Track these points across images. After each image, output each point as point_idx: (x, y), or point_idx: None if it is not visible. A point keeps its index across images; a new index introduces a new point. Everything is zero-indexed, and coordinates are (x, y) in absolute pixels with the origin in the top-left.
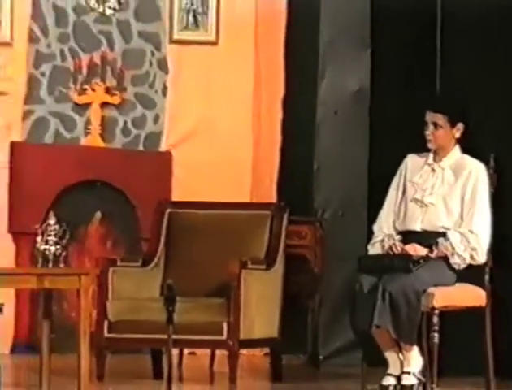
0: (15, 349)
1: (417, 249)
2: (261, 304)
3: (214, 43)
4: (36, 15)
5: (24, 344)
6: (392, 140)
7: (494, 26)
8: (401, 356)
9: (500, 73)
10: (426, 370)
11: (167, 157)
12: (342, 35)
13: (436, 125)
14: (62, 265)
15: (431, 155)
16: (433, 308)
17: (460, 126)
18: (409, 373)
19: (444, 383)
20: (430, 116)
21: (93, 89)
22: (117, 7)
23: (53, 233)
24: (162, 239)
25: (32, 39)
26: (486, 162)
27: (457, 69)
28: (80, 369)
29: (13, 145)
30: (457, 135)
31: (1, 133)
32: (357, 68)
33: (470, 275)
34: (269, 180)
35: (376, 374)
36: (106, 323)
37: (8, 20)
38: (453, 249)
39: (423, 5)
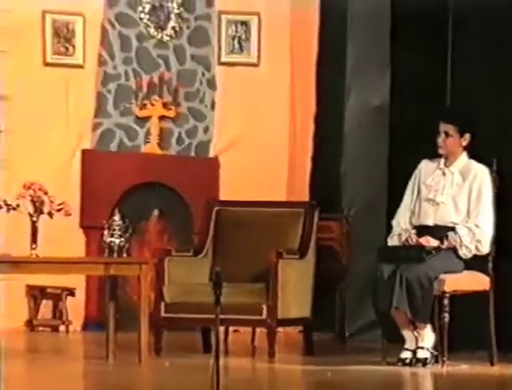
0: (85, 327)
1: (429, 241)
2: (295, 288)
3: (256, 65)
4: (105, 41)
5: (93, 323)
6: (408, 148)
7: (504, 40)
8: (416, 333)
9: (507, 85)
10: (437, 345)
11: (214, 162)
12: (365, 59)
13: (447, 134)
14: (125, 255)
15: (442, 160)
16: (444, 292)
17: (467, 136)
18: (423, 348)
19: (453, 356)
20: (442, 126)
21: (152, 105)
22: (173, 34)
23: (117, 228)
24: (211, 233)
25: (101, 62)
26: (490, 166)
27: (467, 84)
28: (140, 344)
29: (84, 152)
30: (465, 143)
31: (74, 143)
32: (378, 87)
33: (475, 263)
34: (302, 182)
35: (395, 349)
36: (162, 305)
37: (81, 46)
38: (461, 241)
39: (436, 30)
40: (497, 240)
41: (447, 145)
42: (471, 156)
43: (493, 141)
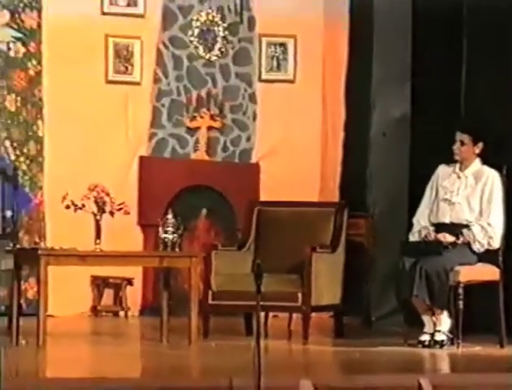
0: (142, 312)
1: (446, 237)
2: (327, 278)
3: (292, 81)
4: (160, 61)
5: (149, 309)
6: (427, 154)
7: None
8: (433, 318)
9: None
10: (453, 329)
11: (255, 167)
12: (388, 75)
13: (462, 142)
14: (177, 249)
15: (457, 165)
16: (459, 282)
17: (480, 144)
18: (440, 331)
19: (467, 339)
20: (458, 136)
21: (201, 117)
22: (219, 55)
23: (170, 225)
24: (252, 229)
25: (156, 79)
26: (500, 171)
27: (480, 97)
28: (190, 328)
29: (141, 159)
30: (478, 151)
31: (132, 150)
32: (400, 100)
33: (487, 256)
34: (333, 184)
35: (415, 332)
36: (210, 293)
37: (139, 66)
38: (475, 237)
39: (452, 48)
40: (507, 237)
41: (462, 152)
42: (484, 162)
43: (504, 149)
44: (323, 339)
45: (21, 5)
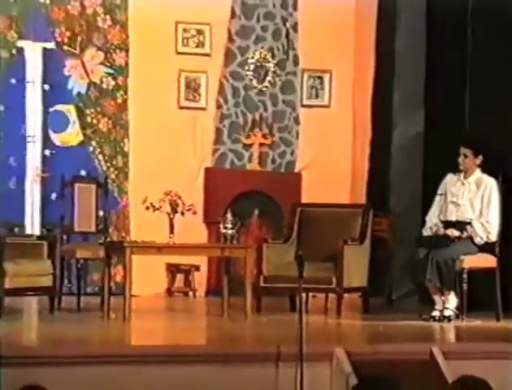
0: (207, 293)
1: (453, 232)
2: (356, 266)
3: (328, 106)
4: (221, 91)
5: (213, 290)
6: (437, 165)
7: None
8: (443, 298)
9: None
10: (459, 307)
11: (298, 176)
12: (406, 100)
13: (465, 155)
14: (235, 242)
15: (462, 174)
16: (463, 268)
17: (480, 157)
18: (448, 308)
19: (470, 314)
20: (462, 150)
21: (254, 135)
22: (269, 85)
23: (230, 222)
24: (295, 226)
25: (218, 105)
26: (497, 178)
27: (481, 116)
28: (246, 305)
29: (206, 169)
30: (478, 162)
31: (199, 162)
32: (415, 121)
33: (486, 248)
34: (361, 189)
35: (427, 309)
36: (261, 277)
37: (204, 94)
38: (476, 232)
39: (457, 76)
40: (502, 232)
41: (465, 164)
42: (484, 171)
43: (500, 160)
44: (353, 314)
45: (112, 47)
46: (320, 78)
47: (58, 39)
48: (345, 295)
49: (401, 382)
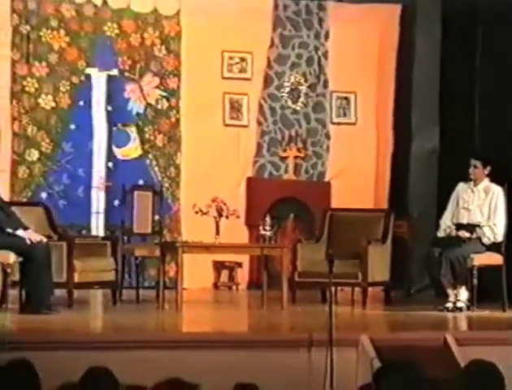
0: (249, 287)
1: (464, 233)
2: (379, 263)
3: (354, 124)
4: (261, 110)
5: (253, 284)
6: (450, 174)
7: None
8: (455, 291)
9: None
10: (469, 299)
11: (328, 184)
12: (423, 119)
13: (475, 166)
14: (273, 242)
15: (472, 183)
16: (473, 266)
17: (488, 168)
18: (460, 300)
19: (479, 305)
20: (472, 161)
21: (290, 149)
22: (302, 105)
23: (268, 225)
24: (326, 228)
25: (259, 123)
26: (503, 186)
27: (490, 131)
28: (282, 297)
29: (248, 179)
30: (487, 172)
31: (242, 172)
32: (431, 137)
33: (493, 247)
34: (383, 195)
35: (442, 301)
36: (296, 273)
37: (246, 114)
38: (484, 234)
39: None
40: (508, 233)
41: (475, 174)
42: (491, 180)
43: (506, 170)
44: (376, 306)
45: (167, 73)
46: (347, 99)
47: (121, 67)
48: (369, 288)
49: (419, 365)
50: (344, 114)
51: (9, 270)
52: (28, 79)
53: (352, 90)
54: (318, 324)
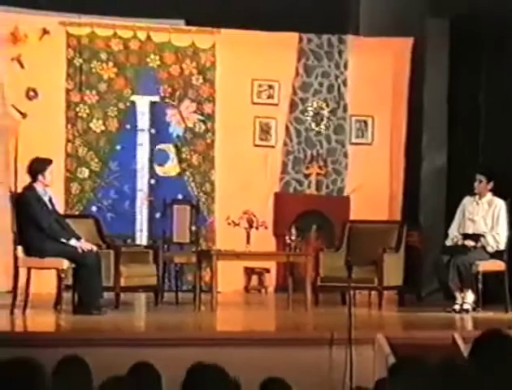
0: (276, 290)
1: (470, 242)
2: (393, 269)
3: (370, 144)
4: (287, 132)
5: (280, 288)
6: (457, 189)
7: None
8: (462, 294)
9: None
10: (475, 301)
11: (347, 199)
12: (432, 138)
13: (480, 181)
14: (298, 250)
15: (477, 196)
16: (478, 271)
17: (492, 183)
18: (466, 303)
19: (484, 307)
20: (477, 176)
21: (312, 167)
22: (324, 128)
23: (293, 235)
24: (345, 238)
25: (285, 144)
26: (506, 200)
27: (494, 150)
28: (306, 299)
29: (275, 194)
30: (490, 187)
31: (270, 188)
32: (439, 155)
33: (496, 255)
34: (397, 208)
35: (450, 303)
36: (318, 278)
37: (274, 135)
38: (488, 242)
39: (472, 125)
40: (509, 242)
41: (480, 188)
42: (494, 193)
43: (508, 185)
44: (391, 307)
45: (203, 99)
46: (365, 122)
47: (162, 94)
48: (385, 292)
49: (429, 361)
50: (362, 136)
51: (63, 276)
52: (81, 105)
53: (369, 114)
54: (339, 324)
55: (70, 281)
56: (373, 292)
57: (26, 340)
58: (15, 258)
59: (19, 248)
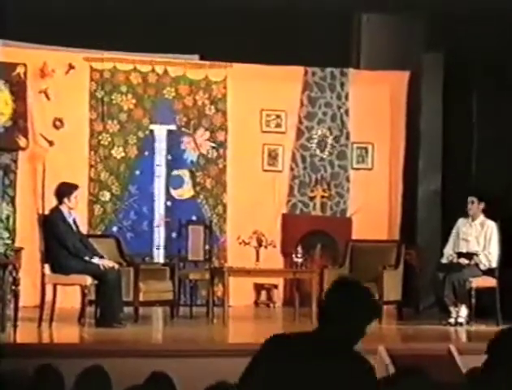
0: (284, 304)
1: (464, 260)
2: (392, 284)
3: (371, 169)
4: (294, 158)
5: (287, 302)
6: (451, 212)
7: None
8: (457, 308)
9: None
10: (469, 315)
11: (349, 219)
12: (428, 166)
13: (472, 202)
14: (303, 268)
15: (470, 218)
16: (471, 287)
17: (483, 204)
18: (461, 316)
19: (477, 321)
20: (469, 198)
21: (317, 190)
22: (328, 154)
23: (300, 253)
24: (348, 256)
25: (291, 169)
26: (496, 221)
27: (486, 174)
28: (311, 313)
29: (283, 215)
30: (481, 207)
31: (277, 210)
32: (434, 179)
33: (488, 272)
34: (395, 229)
35: (445, 317)
36: (323, 293)
37: (281, 161)
38: (481, 261)
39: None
40: (500, 261)
41: (473, 209)
42: (486, 215)
43: (499, 206)
44: (391, 321)
45: (215, 128)
46: (365, 148)
47: (178, 123)
48: (385, 306)
49: (426, 371)
50: (363, 161)
51: (86, 291)
52: (103, 134)
53: (369, 141)
54: None
55: (93, 296)
56: None
57: (52, 351)
58: (43, 275)
59: (46, 266)
